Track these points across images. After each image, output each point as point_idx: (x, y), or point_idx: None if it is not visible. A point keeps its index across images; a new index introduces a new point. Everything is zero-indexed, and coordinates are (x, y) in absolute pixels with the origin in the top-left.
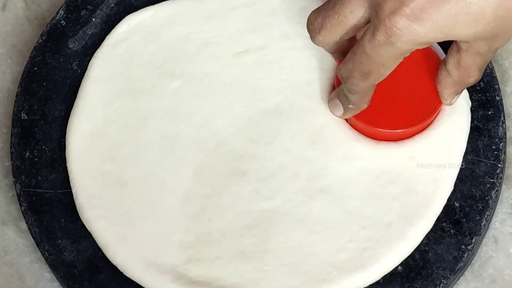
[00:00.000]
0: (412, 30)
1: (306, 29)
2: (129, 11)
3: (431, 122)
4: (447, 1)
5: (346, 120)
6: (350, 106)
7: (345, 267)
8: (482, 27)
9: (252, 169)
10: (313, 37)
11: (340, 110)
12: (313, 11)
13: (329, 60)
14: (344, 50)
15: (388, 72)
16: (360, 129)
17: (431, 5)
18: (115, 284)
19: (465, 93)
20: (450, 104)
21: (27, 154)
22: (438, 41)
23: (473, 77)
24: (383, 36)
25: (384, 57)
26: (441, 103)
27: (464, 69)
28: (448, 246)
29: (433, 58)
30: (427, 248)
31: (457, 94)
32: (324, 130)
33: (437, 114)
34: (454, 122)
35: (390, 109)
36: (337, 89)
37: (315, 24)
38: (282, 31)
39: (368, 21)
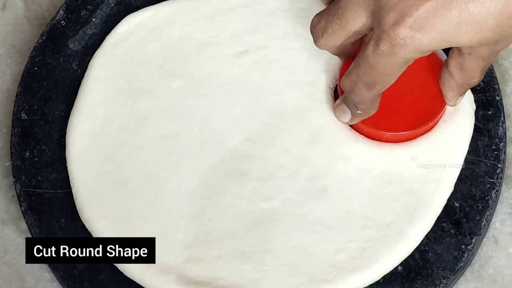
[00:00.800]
0: (415, 40)
1: (305, 29)
2: (129, 11)
3: (435, 124)
4: (449, 11)
5: (354, 127)
6: (359, 112)
7: (345, 267)
8: (485, 35)
9: (252, 169)
10: (315, 40)
11: (347, 116)
12: (317, 15)
13: (329, 61)
14: (349, 53)
15: (393, 81)
16: (365, 132)
17: (434, 15)
18: (115, 284)
19: (470, 97)
20: (454, 105)
21: (27, 154)
22: (441, 48)
23: (476, 78)
24: (387, 46)
25: (388, 66)
26: (444, 104)
27: (466, 71)
28: (448, 246)
29: (434, 60)
30: (427, 248)
31: (460, 95)
32: (324, 130)
33: (441, 116)
34: (457, 124)
35: (394, 112)
36: (343, 95)
37: (317, 27)
38: (282, 31)
39: (371, 28)
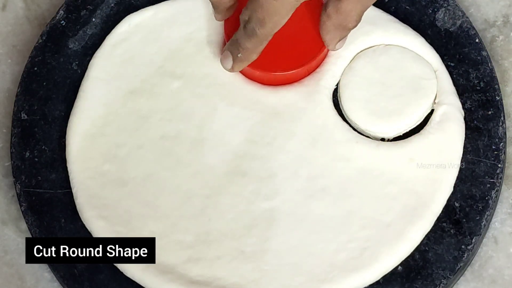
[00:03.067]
0: None
1: None
2: (129, 11)
3: (320, 62)
4: None
5: (242, 72)
6: (239, 55)
7: (345, 267)
8: None
9: (252, 169)
10: None
11: (230, 62)
12: None
13: (325, 62)
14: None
15: (283, 22)
16: (256, 76)
17: None
18: (115, 284)
19: (457, 105)
20: (334, 49)
21: (27, 154)
22: None
23: (352, 22)
24: None
25: (276, 7)
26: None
27: (343, 14)
28: (448, 246)
29: (320, 3)
30: (427, 248)
31: (340, 40)
32: (324, 131)
33: (325, 54)
34: (449, 128)
35: (281, 54)
36: (229, 41)
37: None
38: None
39: None
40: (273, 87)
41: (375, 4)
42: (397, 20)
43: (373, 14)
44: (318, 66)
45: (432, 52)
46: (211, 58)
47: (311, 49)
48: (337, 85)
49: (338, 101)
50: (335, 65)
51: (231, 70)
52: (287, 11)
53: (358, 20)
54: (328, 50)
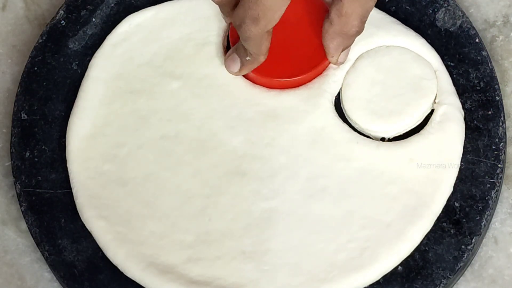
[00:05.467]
0: None
1: None
2: (129, 11)
3: (322, 70)
4: None
5: (246, 77)
6: (248, 58)
7: (345, 266)
8: None
9: (252, 169)
10: None
11: (237, 65)
12: None
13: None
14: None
15: (277, 16)
16: (258, 81)
17: None
18: (115, 284)
19: (458, 105)
20: (336, 61)
21: (27, 154)
22: None
23: (354, 27)
24: None
25: (270, 3)
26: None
27: (345, 17)
28: (448, 246)
29: (324, 11)
30: (427, 248)
31: (342, 50)
32: (324, 132)
33: (328, 63)
34: (449, 128)
35: (284, 60)
36: (235, 45)
37: None
38: None
39: None
40: (270, 90)
41: (376, 6)
42: (399, 22)
43: (376, 16)
44: (323, 71)
45: (433, 53)
46: (211, 59)
47: (316, 55)
48: (337, 94)
49: (338, 101)
50: (339, 69)
51: (237, 73)
52: (282, 4)
53: (359, 26)
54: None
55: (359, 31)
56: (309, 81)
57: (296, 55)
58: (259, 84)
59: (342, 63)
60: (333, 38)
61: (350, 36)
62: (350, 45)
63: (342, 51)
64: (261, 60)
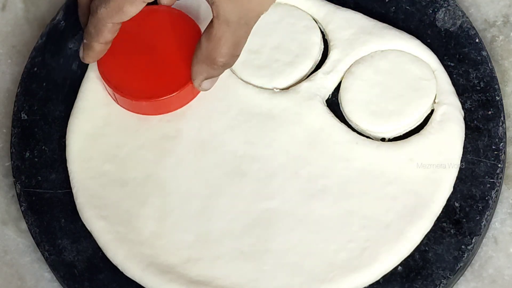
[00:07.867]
0: None
1: (298, 42)
2: None
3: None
4: None
5: (116, 100)
6: (85, 41)
7: (345, 266)
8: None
9: (252, 169)
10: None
11: (81, 50)
12: None
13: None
14: None
15: (130, 11)
16: (126, 105)
17: None
18: (115, 284)
19: (457, 105)
20: (199, 86)
21: (27, 154)
22: None
23: (222, 56)
24: None
25: None
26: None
27: (213, 42)
28: (448, 246)
29: (198, 35)
30: (427, 248)
31: (205, 78)
32: (322, 133)
33: (191, 85)
34: (449, 128)
35: (150, 82)
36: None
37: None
38: (277, 41)
39: None
40: (269, 92)
41: (374, 9)
42: (391, 27)
43: (368, 24)
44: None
45: (429, 53)
46: None
47: (183, 77)
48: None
49: (334, 104)
50: (327, 78)
51: (83, 59)
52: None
53: (228, 56)
54: None
55: (226, 63)
56: (185, 104)
57: (163, 77)
58: (142, 112)
59: (206, 90)
60: (198, 63)
61: (216, 66)
62: (215, 76)
63: (206, 79)
64: (95, 48)
